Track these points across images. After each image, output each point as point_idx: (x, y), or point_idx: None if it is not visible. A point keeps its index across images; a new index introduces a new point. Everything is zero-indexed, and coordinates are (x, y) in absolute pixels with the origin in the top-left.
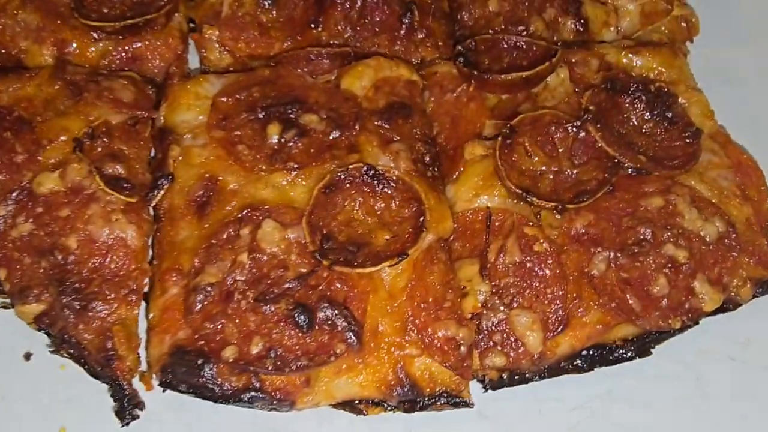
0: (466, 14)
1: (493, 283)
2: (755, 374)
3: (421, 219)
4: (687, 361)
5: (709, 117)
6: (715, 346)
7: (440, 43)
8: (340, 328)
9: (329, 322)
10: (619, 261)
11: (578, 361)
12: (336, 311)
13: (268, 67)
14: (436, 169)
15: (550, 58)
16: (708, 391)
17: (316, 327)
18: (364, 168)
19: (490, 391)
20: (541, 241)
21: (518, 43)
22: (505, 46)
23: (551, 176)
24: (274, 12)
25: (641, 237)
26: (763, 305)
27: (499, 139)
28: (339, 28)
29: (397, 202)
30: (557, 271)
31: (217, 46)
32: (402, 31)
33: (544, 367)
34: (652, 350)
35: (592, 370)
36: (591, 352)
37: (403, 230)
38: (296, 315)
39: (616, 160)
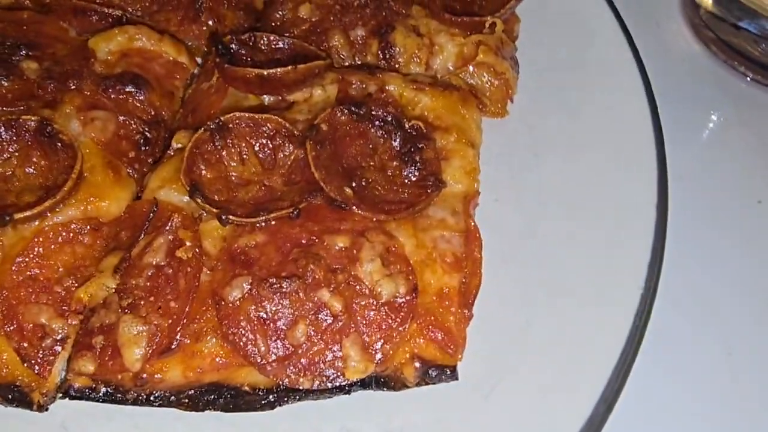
0: (278, 13)
1: (130, 282)
2: None
3: (64, 189)
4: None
5: (471, 176)
6: (360, 425)
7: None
8: None
9: None
10: (260, 292)
11: (188, 398)
12: None
13: (31, 10)
14: (147, 154)
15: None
16: None
17: None
18: (33, 123)
19: (69, 399)
20: (189, 247)
21: (279, 44)
22: (264, 46)
23: (261, 188)
24: None
25: (298, 272)
26: (431, 395)
27: (201, 130)
28: None
29: (61, 167)
30: (192, 284)
31: None
32: (191, 13)
33: (153, 393)
34: (277, 407)
35: (204, 410)
36: (206, 390)
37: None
38: None
39: (320, 186)
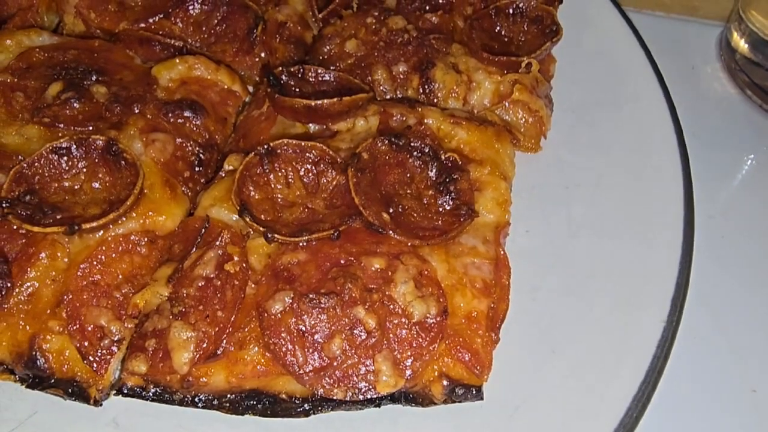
0: (326, 47)
1: (181, 291)
2: None
3: (126, 203)
4: None
5: (503, 207)
6: None
7: (279, 65)
8: None
9: None
10: (300, 306)
11: (230, 402)
12: None
13: (102, 39)
14: (201, 174)
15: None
16: None
17: None
18: (101, 143)
19: (123, 396)
20: (236, 262)
21: (325, 77)
22: (312, 78)
23: (304, 210)
24: None
25: (336, 290)
26: (457, 413)
27: (251, 154)
28: (191, 28)
29: (124, 183)
30: (238, 296)
31: (74, 11)
32: (245, 46)
33: (197, 395)
34: (312, 415)
35: (244, 414)
36: (246, 396)
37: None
38: None
39: (359, 211)
